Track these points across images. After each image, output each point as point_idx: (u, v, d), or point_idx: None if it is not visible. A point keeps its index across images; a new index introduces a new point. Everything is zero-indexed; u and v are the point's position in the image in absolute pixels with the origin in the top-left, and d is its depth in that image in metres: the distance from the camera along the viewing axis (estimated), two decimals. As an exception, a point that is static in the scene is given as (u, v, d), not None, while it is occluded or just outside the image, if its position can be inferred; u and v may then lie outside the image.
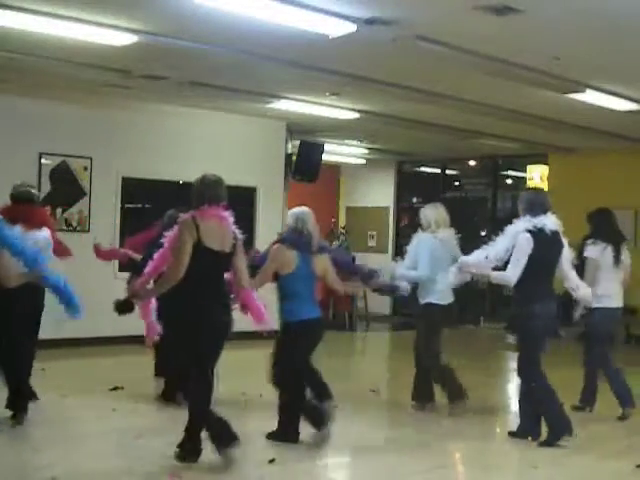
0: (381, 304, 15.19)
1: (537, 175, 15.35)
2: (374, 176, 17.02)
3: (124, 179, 10.97)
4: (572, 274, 6.61)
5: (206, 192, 5.38)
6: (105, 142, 10.75)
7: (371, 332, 14.28)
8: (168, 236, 5.45)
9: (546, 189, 14.83)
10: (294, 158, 12.79)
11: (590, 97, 9.25)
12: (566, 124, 11.35)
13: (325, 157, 13.54)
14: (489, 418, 7.54)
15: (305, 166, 12.84)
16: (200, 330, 5.31)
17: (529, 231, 6.24)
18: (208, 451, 5.86)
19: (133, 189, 11.14)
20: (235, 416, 7.08)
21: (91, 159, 10.66)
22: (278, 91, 10.14)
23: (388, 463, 5.88)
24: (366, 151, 15.51)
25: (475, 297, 15.49)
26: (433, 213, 7.39)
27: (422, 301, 7.27)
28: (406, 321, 15.31)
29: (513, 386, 8.42)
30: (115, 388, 7.76)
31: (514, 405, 8.14)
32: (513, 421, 7.42)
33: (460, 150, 14.89)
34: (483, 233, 15.83)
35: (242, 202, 12.27)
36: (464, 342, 13.21)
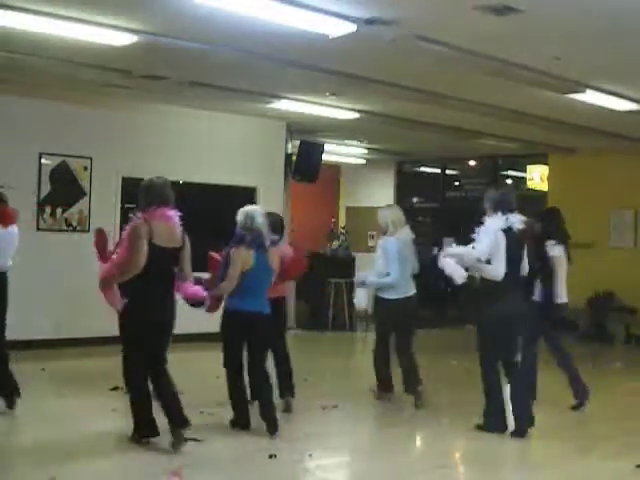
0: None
1: (537, 175, 15.35)
2: (374, 176, 17.01)
3: (124, 179, 10.96)
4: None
5: (154, 195, 5.86)
6: (105, 142, 10.74)
7: (371, 332, 14.25)
8: (124, 236, 5.86)
9: (546, 189, 14.89)
10: (294, 158, 12.80)
11: (590, 97, 9.24)
12: (566, 124, 11.35)
13: (325, 157, 13.54)
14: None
15: (305, 166, 12.84)
16: (149, 326, 5.76)
17: (502, 230, 6.50)
18: (208, 450, 5.87)
19: (133, 189, 11.08)
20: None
21: (91, 159, 10.65)
22: (278, 91, 10.14)
23: (388, 463, 5.88)
24: (366, 151, 15.51)
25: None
26: (389, 214, 7.72)
27: (384, 296, 7.61)
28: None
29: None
30: (115, 388, 7.75)
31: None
32: (510, 420, 7.42)
33: (460, 150, 14.89)
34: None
35: (242, 202, 12.22)
36: (464, 343, 13.21)
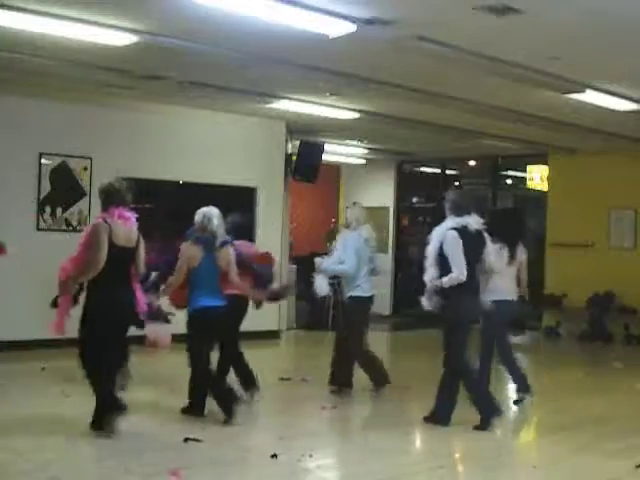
0: (381, 304, 15.19)
1: (537, 175, 15.35)
2: (374, 176, 17.02)
3: (124, 179, 10.94)
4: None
5: (114, 196, 6.30)
6: (105, 142, 10.73)
7: (371, 332, 14.25)
8: (83, 236, 6.21)
9: (546, 189, 14.89)
10: (294, 158, 12.79)
11: (590, 97, 9.25)
12: (566, 124, 11.35)
13: (325, 157, 13.54)
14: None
15: (305, 166, 12.84)
16: (110, 313, 6.10)
17: (455, 229, 6.75)
18: (208, 450, 5.87)
19: (133, 189, 11.11)
20: (237, 415, 7.08)
21: (91, 159, 10.64)
22: (278, 91, 10.14)
23: (388, 463, 5.88)
24: (366, 151, 15.51)
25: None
26: (355, 212, 8.24)
27: (347, 294, 8.04)
28: (406, 321, 15.34)
29: (513, 386, 8.41)
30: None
31: (513, 405, 8.15)
32: (510, 419, 7.45)
33: (460, 150, 14.89)
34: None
35: (242, 202, 12.28)
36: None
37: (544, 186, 15.06)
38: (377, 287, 8.36)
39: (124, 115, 10.93)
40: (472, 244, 6.79)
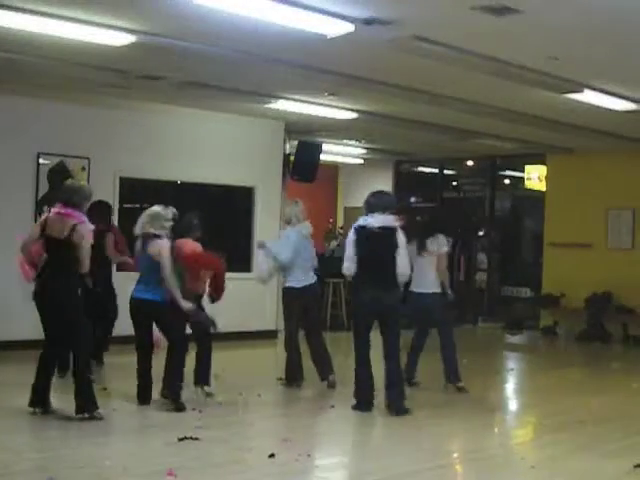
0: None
1: (535, 175, 15.35)
2: (372, 176, 17.00)
3: (122, 179, 10.95)
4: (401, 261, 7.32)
5: (62, 195, 6.98)
6: (103, 142, 10.72)
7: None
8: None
9: (544, 189, 14.89)
10: (292, 158, 12.80)
11: (589, 97, 9.25)
12: (564, 124, 11.35)
13: (323, 157, 13.55)
14: (488, 418, 7.55)
15: (303, 166, 12.84)
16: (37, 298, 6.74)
17: (355, 228, 7.25)
18: (207, 449, 5.87)
19: (131, 189, 11.13)
20: (235, 415, 7.09)
21: (89, 159, 10.63)
22: (277, 91, 10.14)
23: (387, 463, 5.88)
24: (364, 151, 15.51)
25: (473, 296, 15.52)
26: (294, 209, 8.55)
27: (286, 285, 8.42)
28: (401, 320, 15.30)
29: (511, 385, 8.43)
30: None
31: (513, 404, 8.16)
32: (509, 419, 7.43)
33: (458, 150, 14.89)
34: (481, 233, 15.86)
35: (241, 202, 12.28)
36: (462, 341, 13.22)
37: (542, 186, 15.06)
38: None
39: (122, 115, 10.92)
40: (371, 242, 7.15)
